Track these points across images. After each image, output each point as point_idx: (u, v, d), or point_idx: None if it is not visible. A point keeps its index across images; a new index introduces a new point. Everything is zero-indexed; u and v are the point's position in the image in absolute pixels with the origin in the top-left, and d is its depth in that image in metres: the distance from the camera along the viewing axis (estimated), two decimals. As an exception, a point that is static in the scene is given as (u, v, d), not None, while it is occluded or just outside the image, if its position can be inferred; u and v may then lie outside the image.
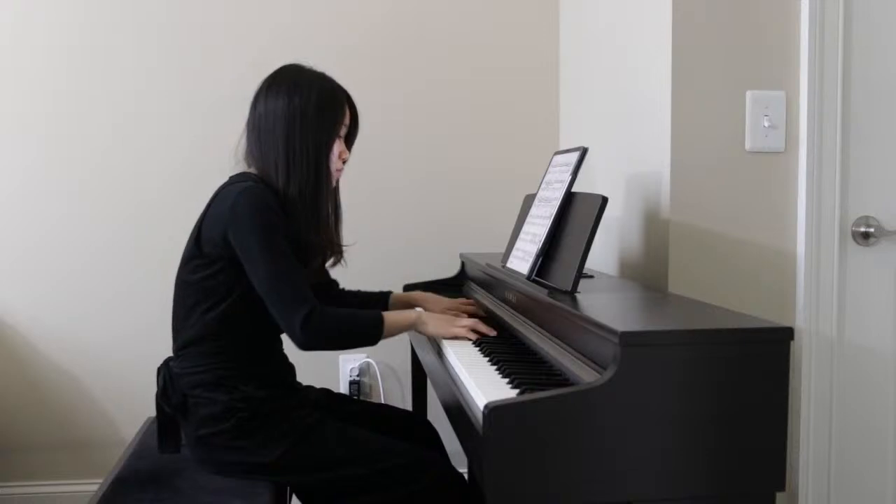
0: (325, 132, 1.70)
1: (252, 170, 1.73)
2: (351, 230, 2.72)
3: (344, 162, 1.78)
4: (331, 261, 1.85)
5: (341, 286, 2.06)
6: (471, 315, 1.93)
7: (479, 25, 2.75)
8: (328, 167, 1.71)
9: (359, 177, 2.72)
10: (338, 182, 1.81)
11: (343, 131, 1.75)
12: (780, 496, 1.29)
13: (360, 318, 1.69)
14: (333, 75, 1.83)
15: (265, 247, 1.57)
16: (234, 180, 1.70)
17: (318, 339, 1.59)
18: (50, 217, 2.62)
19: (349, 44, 2.68)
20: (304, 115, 1.67)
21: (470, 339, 1.73)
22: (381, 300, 2.06)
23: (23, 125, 2.60)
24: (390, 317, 1.69)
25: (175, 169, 2.65)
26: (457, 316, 1.85)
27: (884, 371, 1.85)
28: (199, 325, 1.64)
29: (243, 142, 1.76)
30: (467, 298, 2.31)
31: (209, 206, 1.69)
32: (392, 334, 1.70)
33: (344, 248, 1.83)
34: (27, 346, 2.64)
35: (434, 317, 1.78)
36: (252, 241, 1.57)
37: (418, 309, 1.77)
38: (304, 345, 1.59)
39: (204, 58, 2.65)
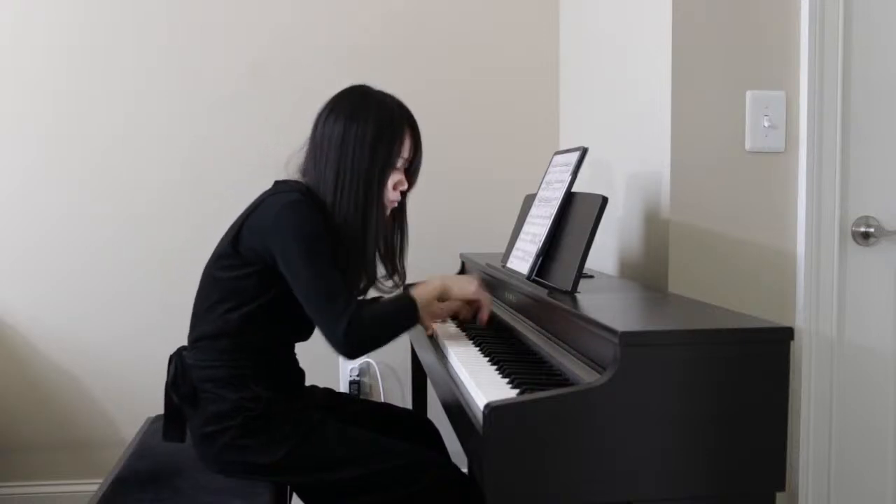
0: (378, 166, 1.67)
1: (304, 180, 1.72)
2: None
3: (403, 193, 1.76)
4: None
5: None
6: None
7: (479, 25, 2.75)
8: (379, 202, 1.69)
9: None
10: (404, 208, 1.81)
11: (401, 163, 1.72)
12: (780, 496, 1.29)
13: (395, 314, 1.66)
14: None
15: (306, 256, 1.56)
16: (281, 189, 1.68)
17: (361, 346, 1.60)
18: (50, 217, 2.62)
19: (349, 44, 2.68)
20: (358, 148, 1.65)
21: (484, 306, 1.78)
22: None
23: (23, 125, 2.60)
24: (420, 295, 1.67)
25: (175, 169, 2.65)
26: (480, 286, 1.81)
27: (884, 371, 1.85)
28: (219, 322, 1.64)
29: (301, 154, 1.74)
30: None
31: (252, 210, 1.66)
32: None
33: (380, 280, 1.80)
34: (27, 346, 2.64)
35: (456, 279, 1.84)
36: (293, 251, 1.57)
37: (440, 277, 1.78)
38: (349, 355, 1.59)
39: (204, 58, 2.65)
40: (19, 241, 2.61)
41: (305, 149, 1.74)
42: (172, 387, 1.67)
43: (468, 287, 1.77)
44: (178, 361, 1.68)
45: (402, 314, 1.66)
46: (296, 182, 1.72)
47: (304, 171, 1.73)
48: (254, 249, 1.61)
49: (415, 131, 1.76)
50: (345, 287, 1.60)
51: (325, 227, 1.62)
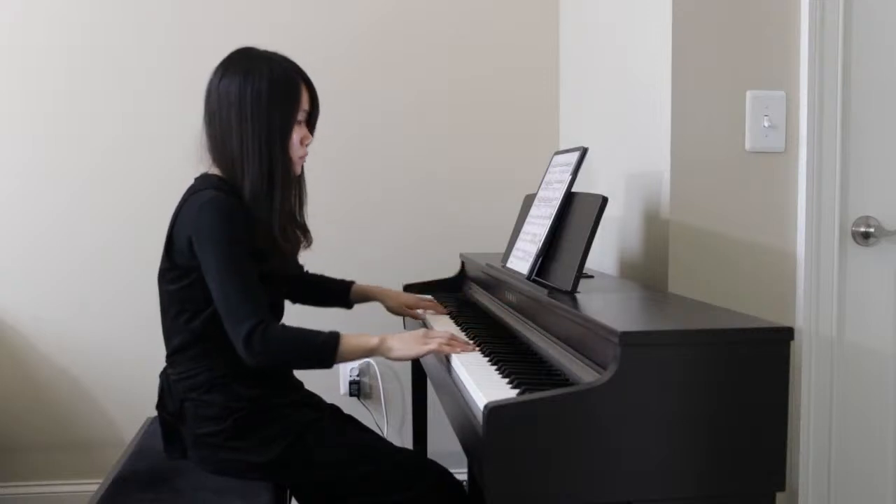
0: (281, 121, 1.63)
1: (214, 169, 1.68)
2: (351, 230, 2.72)
3: (307, 146, 1.71)
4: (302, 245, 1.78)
5: (324, 273, 2.06)
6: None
7: (480, 26, 2.75)
8: (287, 157, 1.65)
9: (359, 176, 2.73)
10: (302, 168, 1.75)
11: (302, 116, 1.66)
12: (780, 496, 1.29)
13: (310, 342, 1.57)
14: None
15: (221, 261, 1.53)
16: (198, 187, 1.65)
17: (260, 357, 1.52)
18: (50, 216, 2.62)
19: (349, 44, 2.68)
20: (256, 104, 1.60)
21: (442, 351, 1.61)
22: (342, 291, 2.04)
23: (23, 125, 2.60)
24: (348, 342, 1.57)
25: (175, 169, 2.62)
26: (426, 335, 1.65)
27: (884, 371, 1.85)
28: (184, 333, 1.63)
29: (203, 137, 1.70)
30: (467, 299, 2.30)
31: (175, 216, 1.65)
32: (349, 360, 1.61)
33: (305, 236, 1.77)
34: (27, 346, 2.64)
35: (400, 338, 1.62)
36: (209, 255, 1.54)
37: (381, 335, 1.62)
38: (248, 360, 1.53)
39: (204, 58, 2.64)
40: (19, 241, 2.61)
41: (203, 131, 1.69)
42: (160, 406, 1.68)
43: (413, 349, 1.61)
44: (164, 379, 1.69)
45: (316, 351, 1.56)
46: (210, 176, 1.67)
47: (211, 153, 1.67)
48: (185, 255, 1.59)
49: (307, 82, 1.70)
50: (259, 294, 1.55)
51: (244, 214, 1.58)
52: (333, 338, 1.57)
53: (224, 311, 1.54)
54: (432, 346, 1.60)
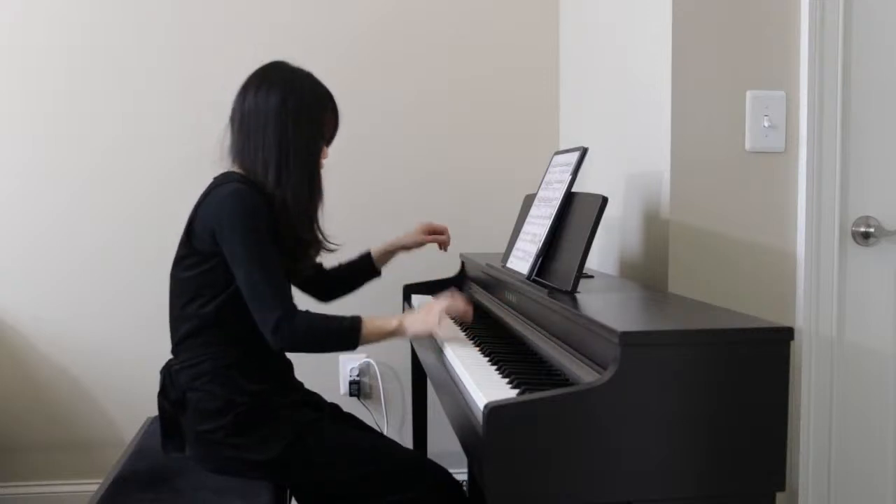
0: (318, 136, 1.73)
1: (236, 167, 1.71)
2: (352, 230, 2.71)
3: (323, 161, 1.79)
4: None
5: (325, 267, 2.07)
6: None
7: (480, 26, 2.75)
8: (319, 171, 1.74)
9: (359, 177, 2.73)
10: None
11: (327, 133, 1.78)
12: (780, 496, 1.29)
13: (335, 329, 1.62)
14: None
15: (248, 250, 1.58)
16: (220, 181, 1.68)
17: (289, 342, 1.59)
18: (50, 216, 2.62)
19: (349, 44, 2.68)
20: (298, 119, 1.67)
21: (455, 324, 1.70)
22: (366, 264, 2.10)
23: (23, 125, 2.60)
24: (370, 325, 1.64)
25: (175, 169, 2.65)
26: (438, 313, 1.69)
27: (884, 371, 1.85)
28: (195, 319, 1.65)
29: (227, 137, 1.74)
30: (467, 299, 2.31)
31: (198, 206, 1.67)
32: (372, 342, 1.65)
33: (328, 239, 1.84)
34: (27, 346, 2.64)
35: (415, 318, 1.68)
36: (236, 244, 1.58)
37: (399, 315, 1.70)
38: (275, 346, 1.60)
39: (204, 58, 2.65)
40: (19, 241, 2.62)
41: (230, 132, 1.73)
42: (162, 394, 1.68)
43: (428, 323, 1.67)
44: (166, 372, 1.70)
45: (341, 335, 1.62)
46: (233, 173, 1.71)
47: (238, 153, 1.71)
48: (207, 243, 1.62)
49: (334, 103, 1.79)
50: (284, 282, 1.62)
51: (267, 210, 1.63)
52: (356, 322, 1.63)
53: (251, 301, 1.59)
54: (441, 321, 1.67)
